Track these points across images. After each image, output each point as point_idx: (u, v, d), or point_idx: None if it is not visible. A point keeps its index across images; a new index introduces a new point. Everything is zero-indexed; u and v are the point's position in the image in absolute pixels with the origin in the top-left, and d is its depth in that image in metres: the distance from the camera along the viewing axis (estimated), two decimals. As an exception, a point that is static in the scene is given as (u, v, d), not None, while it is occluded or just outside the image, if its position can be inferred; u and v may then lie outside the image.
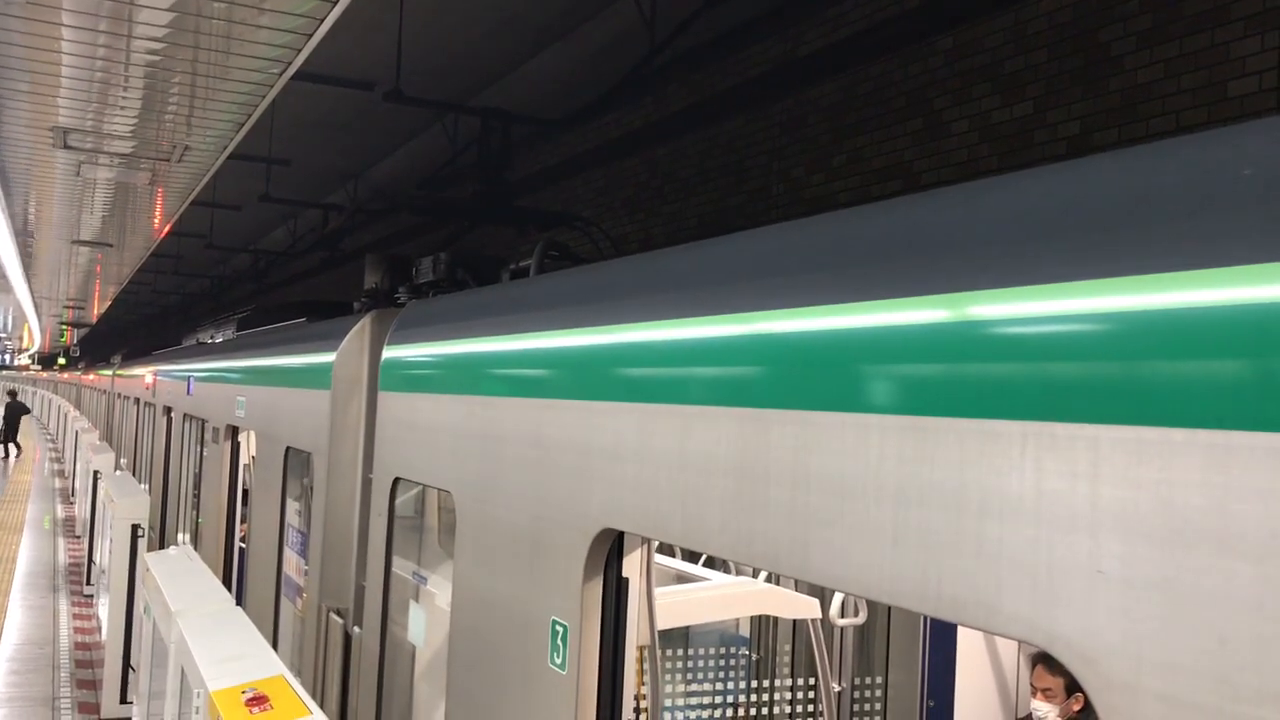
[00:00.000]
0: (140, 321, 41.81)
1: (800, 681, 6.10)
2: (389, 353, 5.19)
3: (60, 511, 23.57)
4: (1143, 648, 1.52)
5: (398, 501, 5.04)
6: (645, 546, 3.18)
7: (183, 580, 6.16)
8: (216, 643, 4.84)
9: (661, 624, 3.42)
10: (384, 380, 5.19)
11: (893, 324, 2.05)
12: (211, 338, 14.87)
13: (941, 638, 6.06)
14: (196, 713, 4.30)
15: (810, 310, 2.27)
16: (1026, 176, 1.99)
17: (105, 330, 42.26)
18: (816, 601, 4.13)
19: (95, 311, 29.01)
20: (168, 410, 14.77)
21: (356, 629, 5.42)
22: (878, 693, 6.03)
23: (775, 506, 2.31)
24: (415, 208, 10.03)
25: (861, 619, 4.39)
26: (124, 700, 9.88)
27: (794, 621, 6.23)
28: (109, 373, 29.00)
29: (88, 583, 15.31)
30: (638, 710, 4.16)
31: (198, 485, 11.80)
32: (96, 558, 14.61)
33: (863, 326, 2.12)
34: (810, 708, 6.20)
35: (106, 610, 10.88)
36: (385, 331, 5.85)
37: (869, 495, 2.04)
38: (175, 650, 5.20)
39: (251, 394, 8.32)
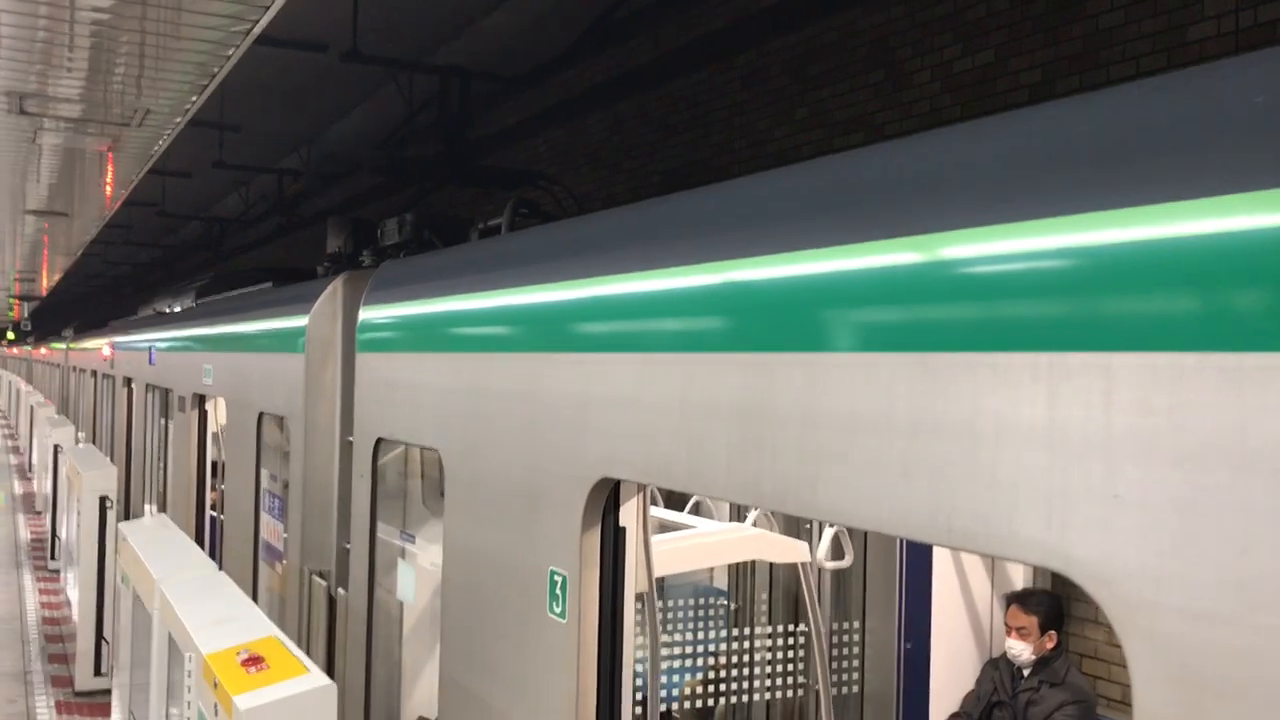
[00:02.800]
0: (91, 294, 41.12)
1: (779, 628, 6.20)
2: (366, 314, 5.16)
3: (18, 487, 23.26)
4: (1162, 566, 1.58)
5: (380, 463, 5.04)
6: (641, 495, 3.22)
7: (161, 547, 6.13)
8: (204, 607, 4.83)
9: (658, 571, 3.46)
10: (362, 341, 5.17)
11: (902, 263, 2.08)
12: (169, 307, 14.68)
13: (917, 582, 6.18)
14: (189, 676, 4.29)
15: (816, 252, 2.29)
16: (1030, 112, 2.03)
17: (56, 303, 41.53)
18: (805, 545, 4.20)
19: (45, 284, 28.49)
20: (128, 381, 14.59)
21: (341, 591, 5.43)
22: (855, 636, 6.15)
23: (782, 448, 2.34)
24: (377, 169, 9.89)
25: (847, 562, 4.47)
26: (98, 672, 9.83)
27: (770, 570, 6.33)
28: (62, 346, 28.58)
29: (52, 558, 15.15)
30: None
31: (163, 456, 11.70)
32: (60, 532, 14.48)
33: (872, 267, 2.15)
34: (789, 654, 6.32)
35: (75, 584, 10.80)
36: (358, 293, 5.82)
37: (879, 432, 2.08)
38: (159, 617, 5.18)
39: (219, 361, 8.25)
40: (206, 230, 24.00)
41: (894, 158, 2.29)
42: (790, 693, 6.28)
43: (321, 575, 5.80)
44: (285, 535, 6.38)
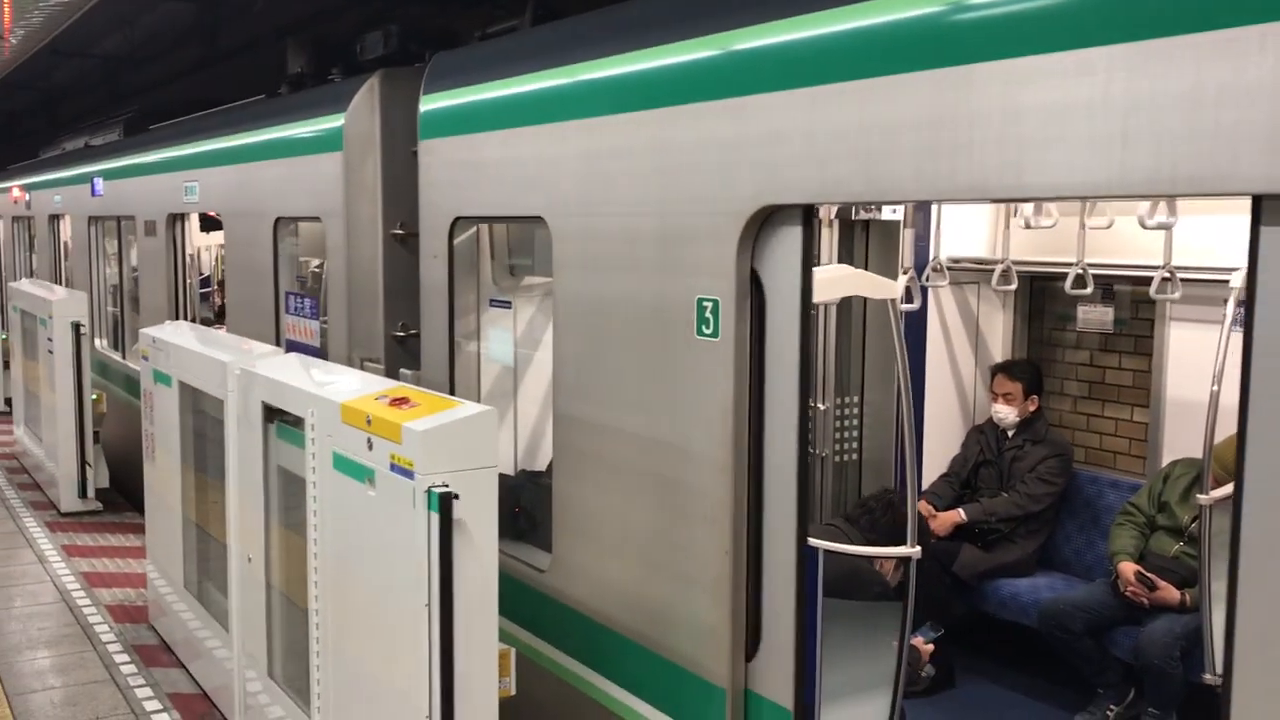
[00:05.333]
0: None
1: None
2: (431, 104, 5.38)
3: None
4: None
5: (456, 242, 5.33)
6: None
7: (207, 342, 6.34)
8: (301, 375, 5.09)
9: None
10: (427, 129, 5.40)
11: None
12: (87, 144, 14.31)
13: (913, 358, 6.80)
14: (311, 430, 4.58)
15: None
16: None
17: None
18: (894, 283, 4.74)
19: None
20: (54, 219, 14.28)
21: (405, 371, 5.77)
22: (855, 410, 6.79)
23: (980, 145, 2.79)
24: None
25: (916, 305, 5.05)
26: (83, 495, 10.00)
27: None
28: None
29: (-12, 403, 15.03)
30: None
31: (119, 284, 11.65)
32: None
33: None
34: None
35: (44, 419, 10.82)
36: (399, 90, 6.02)
37: (1094, 113, 2.54)
38: (239, 397, 5.41)
39: (210, 176, 8.28)
40: (97, 69, 22.91)
41: None
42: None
43: (372, 361, 6.13)
44: (323, 330, 6.65)
